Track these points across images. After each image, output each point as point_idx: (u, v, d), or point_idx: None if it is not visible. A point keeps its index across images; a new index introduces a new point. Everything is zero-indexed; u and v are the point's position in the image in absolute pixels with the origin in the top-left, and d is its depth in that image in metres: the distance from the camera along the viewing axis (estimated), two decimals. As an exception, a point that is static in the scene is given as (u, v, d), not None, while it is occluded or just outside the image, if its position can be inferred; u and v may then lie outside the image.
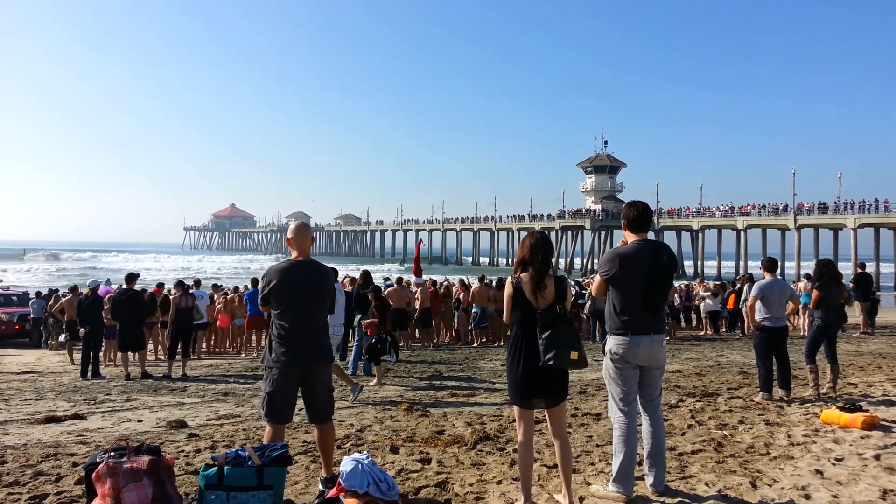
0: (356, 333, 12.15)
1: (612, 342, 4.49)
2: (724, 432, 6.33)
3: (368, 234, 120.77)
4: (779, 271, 9.06)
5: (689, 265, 68.87)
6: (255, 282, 16.63)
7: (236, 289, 18.72)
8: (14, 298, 22.63)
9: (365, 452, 4.96)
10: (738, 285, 18.30)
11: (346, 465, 4.43)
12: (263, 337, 16.32)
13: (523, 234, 79.17)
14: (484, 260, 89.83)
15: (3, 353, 16.34)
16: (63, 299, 15.40)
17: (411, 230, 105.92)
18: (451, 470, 5.20)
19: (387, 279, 18.04)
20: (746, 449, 5.72)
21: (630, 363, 4.46)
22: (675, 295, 19.04)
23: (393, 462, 5.42)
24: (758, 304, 8.19)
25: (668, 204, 75.32)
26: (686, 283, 26.25)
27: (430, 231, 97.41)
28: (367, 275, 12.53)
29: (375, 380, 10.17)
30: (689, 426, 6.63)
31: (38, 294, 21.22)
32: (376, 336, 10.34)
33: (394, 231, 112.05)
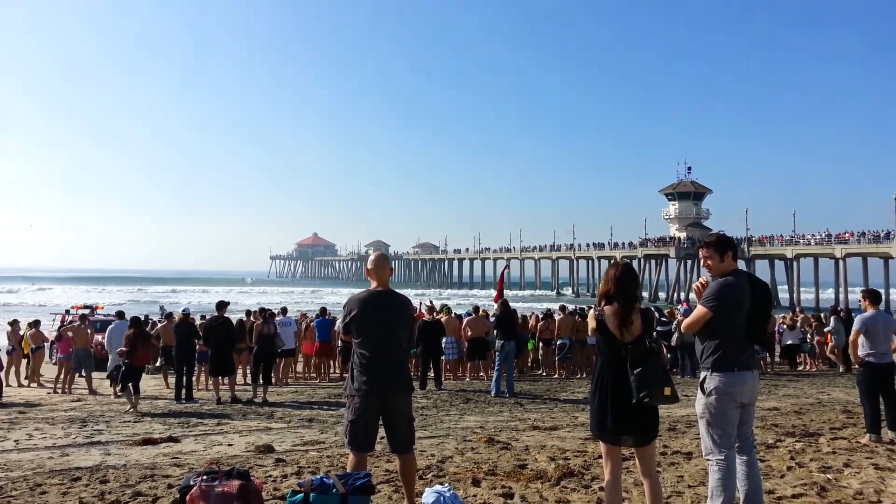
0: (497, 357, 12.81)
1: (717, 379, 4.25)
2: (828, 476, 5.92)
3: (446, 262, 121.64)
4: (882, 303, 8.47)
5: (784, 297, 65.58)
6: (323, 310, 17.05)
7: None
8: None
9: (447, 484, 4.94)
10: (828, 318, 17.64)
11: (428, 497, 4.41)
12: (335, 363, 16.66)
13: (604, 262, 78.51)
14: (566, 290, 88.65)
15: (103, 377, 17.26)
16: (159, 325, 16.22)
17: (489, 258, 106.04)
18: (534, 506, 5.08)
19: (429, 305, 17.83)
20: (854, 495, 5.33)
21: (736, 401, 4.27)
22: (775, 327, 18.19)
23: (475, 495, 5.36)
24: (861, 339, 7.70)
25: (759, 231, 71.90)
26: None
27: (508, 259, 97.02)
28: (506, 303, 13.30)
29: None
30: (789, 468, 6.25)
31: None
32: (119, 363, 11.84)
33: (471, 259, 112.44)
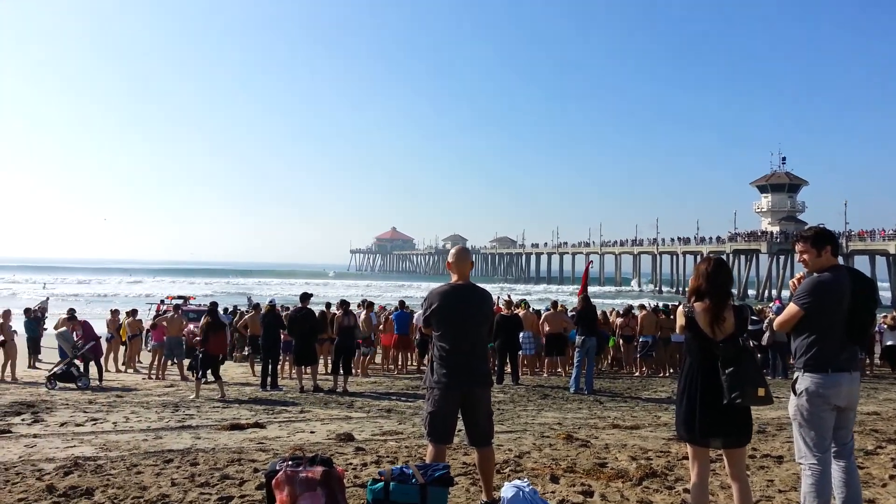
0: (577, 353, 12.81)
1: (809, 380, 4.04)
2: (937, 487, 5.51)
3: (523, 256, 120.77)
4: None
5: (886, 295, 61.45)
6: (402, 303, 17.22)
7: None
8: (205, 315, 25.09)
9: (525, 480, 4.89)
10: None
11: (507, 491, 4.38)
12: (412, 356, 16.84)
13: (689, 258, 75.85)
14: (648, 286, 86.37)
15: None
16: (246, 315, 16.87)
17: (567, 253, 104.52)
18: (615, 505, 4.97)
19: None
20: (967, 509, 4.93)
21: (830, 404, 4.03)
22: (875, 326, 17.12)
23: (553, 492, 5.28)
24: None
25: (859, 225, 67.45)
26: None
27: (588, 254, 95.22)
28: (587, 298, 13.20)
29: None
30: (892, 477, 5.84)
31: (224, 310, 23.35)
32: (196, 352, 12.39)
33: (549, 254, 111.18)
